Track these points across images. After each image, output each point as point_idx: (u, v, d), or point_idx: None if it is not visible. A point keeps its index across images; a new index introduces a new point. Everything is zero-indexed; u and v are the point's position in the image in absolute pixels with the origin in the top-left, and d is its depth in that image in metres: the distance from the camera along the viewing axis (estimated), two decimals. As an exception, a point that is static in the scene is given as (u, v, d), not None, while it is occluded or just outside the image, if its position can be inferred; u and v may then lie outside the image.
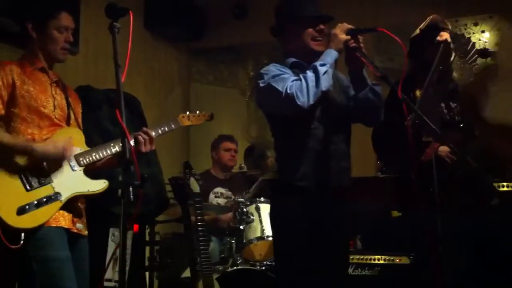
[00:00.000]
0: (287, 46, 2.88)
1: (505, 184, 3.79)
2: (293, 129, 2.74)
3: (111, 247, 3.85)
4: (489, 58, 3.15)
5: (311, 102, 2.58)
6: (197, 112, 3.36)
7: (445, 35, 3.28)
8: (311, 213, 2.66)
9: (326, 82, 2.61)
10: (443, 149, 3.06)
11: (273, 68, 2.73)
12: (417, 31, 3.36)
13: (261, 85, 2.69)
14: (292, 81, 2.61)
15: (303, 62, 2.78)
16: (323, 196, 2.68)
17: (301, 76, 2.61)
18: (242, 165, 5.23)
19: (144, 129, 2.92)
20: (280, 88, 2.60)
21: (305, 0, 2.84)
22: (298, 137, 2.74)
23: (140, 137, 2.87)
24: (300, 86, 2.57)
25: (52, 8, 2.89)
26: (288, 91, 2.56)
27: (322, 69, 2.60)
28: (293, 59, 2.82)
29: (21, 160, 2.66)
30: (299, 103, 2.55)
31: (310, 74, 2.60)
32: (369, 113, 2.85)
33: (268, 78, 2.68)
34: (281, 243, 2.81)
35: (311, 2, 2.85)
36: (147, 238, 4.87)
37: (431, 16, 3.37)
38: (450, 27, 3.40)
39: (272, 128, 2.88)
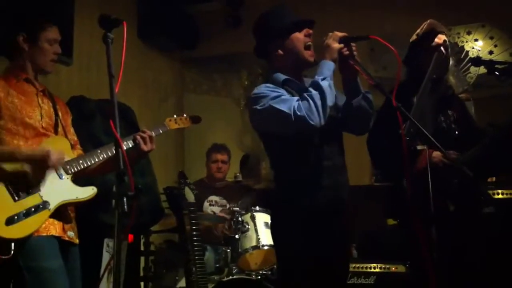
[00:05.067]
0: (274, 63, 2.81)
1: (500, 191, 3.80)
2: (291, 147, 2.69)
3: (105, 257, 3.83)
4: (482, 67, 3.14)
5: (323, 121, 2.54)
6: (184, 115, 3.36)
7: (442, 38, 3.26)
8: (312, 231, 2.64)
9: (331, 96, 2.58)
10: (436, 154, 3.05)
11: (267, 90, 2.67)
12: (414, 36, 3.35)
13: (260, 108, 2.62)
14: (297, 101, 2.56)
15: (293, 78, 2.76)
16: (323, 213, 2.67)
17: (306, 95, 2.56)
18: (237, 174, 5.22)
19: (143, 129, 2.94)
20: (286, 110, 2.53)
21: (285, 12, 2.81)
22: (296, 155, 2.70)
23: (138, 137, 2.88)
24: (308, 106, 2.52)
25: (44, 21, 2.92)
26: (298, 113, 2.50)
27: (325, 84, 2.56)
28: (283, 77, 2.75)
29: (7, 168, 2.64)
30: (312, 123, 2.50)
31: (314, 92, 2.55)
32: (360, 122, 2.83)
33: (267, 100, 2.61)
34: (284, 263, 2.76)
35: (290, 12, 2.82)
36: (141, 248, 4.86)
37: (428, 21, 3.35)
38: (446, 32, 3.39)
39: (268, 147, 2.82)
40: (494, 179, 4.04)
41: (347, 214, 2.80)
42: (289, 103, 2.56)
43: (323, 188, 2.69)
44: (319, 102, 2.53)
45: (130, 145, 2.89)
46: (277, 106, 2.57)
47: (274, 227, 2.85)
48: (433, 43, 3.20)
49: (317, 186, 2.68)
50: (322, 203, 2.67)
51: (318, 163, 2.71)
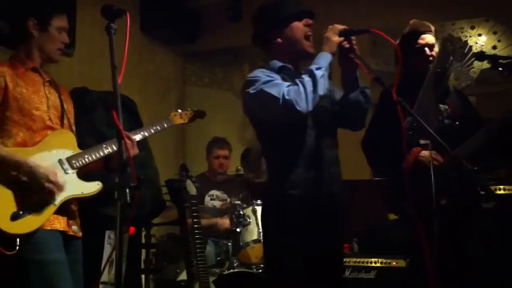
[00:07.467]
0: (273, 52, 2.81)
1: (501, 187, 3.79)
2: (283, 136, 2.69)
3: (107, 249, 3.83)
4: (485, 61, 3.13)
5: (311, 107, 2.53)
6: (189, 110, 3.35)
7: (426, 38, 3.28)
8: (302, 221, 2.63)
9: (323, 86, 2.57)
10: (425, 153, 3.02)
11: (261, 74, 2.67)
12: (400, 37, 3.36)
13: (252, 91, 2.63)
14: (288, 86, 2.56)
15: (290, 66, 2.76)
16: (315, 204, 2.66)
17: (297, 81, 2.56)
18: (239, 167, 5.21)
19: (127, 134, 2.81)
20: (275, 94, 2.53)
21: (286, 1, 2.80)
22: (288, 145, 2.69)
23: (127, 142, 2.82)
24: (297, 92, 2.51)
25: (55, 8, 2.87)
26: (286, 97, 2.50)
27: (318, 73, 2.55)
28: (279, 63, 2.76)
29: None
30: (299, 108, 2.49)
31: (307, 78, 2.55)
32: (357, 117, 2.82)
33: (259, 84, 2.61)
34: (273, 253, 2.75)
35: (292, 1, 2.81)
36: (143, 240, 4.86)
37: (411, 21, 3.37)
38: (433, 29, 3.37)
39: (260, 135, 2.82)
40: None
41: (340, 208, 2.78)
42: (279, 87, 2.56)
43: (313, 180, 2.68)
44: (309, 89, 2.53)
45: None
46: (268, 90, 2.57)
47: (263, 218, 2.84)
48: (417, 45, 3.27)
49: (307, 177, 2.67)
50: (311, 194, 2.66)
51: (309, 154, 2.70)
